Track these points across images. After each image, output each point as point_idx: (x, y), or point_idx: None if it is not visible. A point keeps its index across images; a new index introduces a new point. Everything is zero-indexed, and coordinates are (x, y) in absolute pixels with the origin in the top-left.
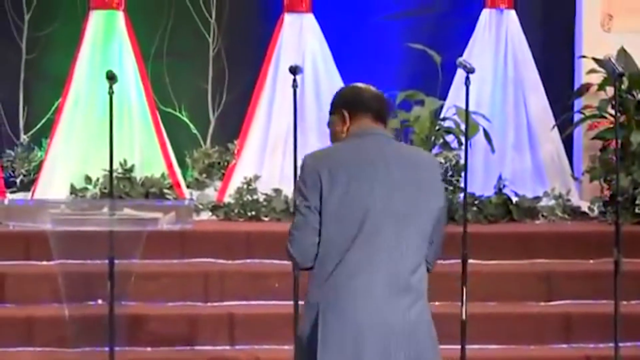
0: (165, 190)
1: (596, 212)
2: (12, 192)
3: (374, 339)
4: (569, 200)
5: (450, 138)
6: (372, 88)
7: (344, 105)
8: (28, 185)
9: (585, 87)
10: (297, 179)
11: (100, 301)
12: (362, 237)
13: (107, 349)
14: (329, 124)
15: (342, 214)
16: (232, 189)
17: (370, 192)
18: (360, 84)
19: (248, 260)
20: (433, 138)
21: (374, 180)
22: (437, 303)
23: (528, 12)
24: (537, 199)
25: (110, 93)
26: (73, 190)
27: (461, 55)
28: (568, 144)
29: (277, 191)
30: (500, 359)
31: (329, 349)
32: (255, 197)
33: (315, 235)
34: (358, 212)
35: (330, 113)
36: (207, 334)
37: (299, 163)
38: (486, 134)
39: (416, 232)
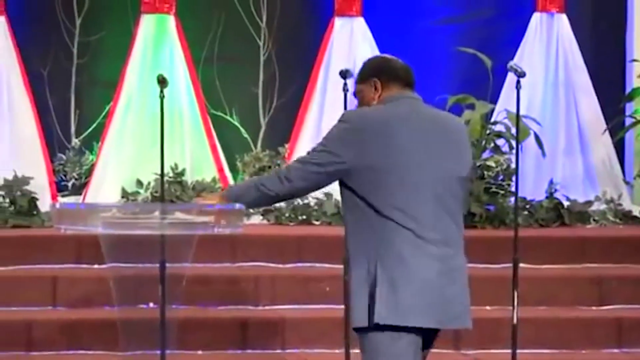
0: None
1: None
2: (63, 196)
3: None
4: (620, 204)
5: (501, 142)
6: (399, 59)
7: (376, 74)
8: (79, 188)
9: (637, 91)
10: (335, 128)
11: (151, 305)
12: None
13: (158, 352)
14: (357, 93)
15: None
16: None
17: (418, 148)
18: (387, 55)
19: (299, 264)
20: (484, 142)
21: (421, 138)
22: (488, 307)
23: (579, 15)
24: (589, 203)
25: (161, 97)
26: (124, 194)
27: (512, 59)
28: (619, 148)
29: (328, 195)
30: None
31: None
32: (306, 201)
33: (310, 182)
34: (412, 167)
35: (359, 82)
36: (258, 337)
37: None
38: (537, 138)
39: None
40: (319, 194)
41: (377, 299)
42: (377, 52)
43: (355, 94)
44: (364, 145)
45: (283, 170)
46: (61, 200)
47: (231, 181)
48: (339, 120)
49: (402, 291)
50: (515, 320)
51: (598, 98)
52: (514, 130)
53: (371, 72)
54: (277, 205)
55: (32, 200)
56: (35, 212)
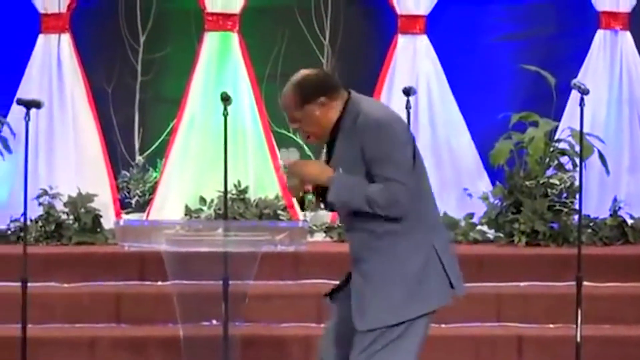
0: (279, 212)
1: None
2: (127, 213)
3: None
4: None
5: (564, 160)
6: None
7: (320, 93)
8: (143, 206)
9: None
10: (387, 132)
11: (214, 322)
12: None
13: None
14: (302, 119)
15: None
16: None
17: None
18: (305, 71)
19: None
20: (547, 160)
21: None
22: (551, 325)
23: None
24: None
25: (225, 114)
26: (187, 211)
27: (575, 76)
28: None
29: None
30: None
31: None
32: None
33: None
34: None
35: (301, 107)
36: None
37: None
38: (601, 156)
39: None
40: None
41: (451, 278)
42: (440, 69)
43: (293, 121)
44: (413, 143)
45: (389, 193)
46: (125, 217)
47: (294, 200)
48: (381, 126)
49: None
50: (579, 339)
51: None
52: (577, 148)
53: (314, 93)
54: (340, 222)
55: (96, 218)
56: (99, 229)
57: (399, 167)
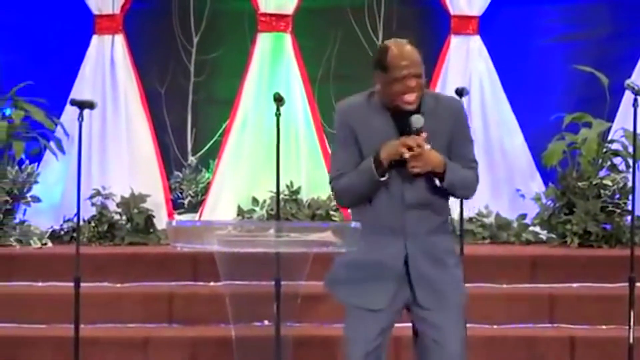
0: (332, 212)
1: None
2: (180, 214)
3: None
4: None
5: (617, 160)
6: None
7: None
8: (196, 206)
9: None
10: (467, 117)
11: (266, 322)
12: None
13: None
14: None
15: None
16: None
17: None
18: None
19: None
20: (600, 160)
21: None
22: (604, 327)
23: None
24: None
25: (278, 115)
26: (240, 212)
27: (629, 77)
28: None
29: None
30: None
31: None
32: None
33: None
34: None
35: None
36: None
37: None
38: None
39: None
40: None
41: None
42: (492, 70)
43: (419, 78)
44: None
45: (477, 176)
46: (177, 217)
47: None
48: (464, 110)
49: None
50: (631, 340)
51: None
52: (630, 149)
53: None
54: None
55: (149, 218)
56: (151, 230)
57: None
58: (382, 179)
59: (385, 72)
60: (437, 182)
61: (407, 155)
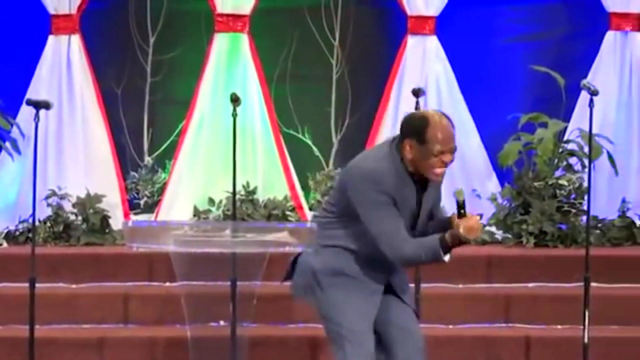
0: (288, 213)
1: None
2: (135, 214)
3: None
4: None
5: (573, 160)
6: None
7: None
8: (152, 206)
9: None
10: None
11: (222, 322)
12: None
13: None
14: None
15: None
16: None
17: None
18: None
19: None
20: (556, 160)
21: None
22: (559, 326)
23: None
24: None
25: (234, 115)
26: (196, 212)
27: (585, 77)
28: None
29: None
30: None
31: None
32: None
33: None
34: None
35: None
36: (328, 356)
37: None
38: (610, 157)
39: None
40: None
41: None
42: (449, 70)
43: (453, 153)
44: None
45: None
46: (133, 218)
47: (302, 200)
48: None
49: None
50: (586, 340)
51: None
52: (586, 149)
53: None
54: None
55: (105, 218)
56: (107, 230)
57: None
58: (447, 259)
59: (422, 144)
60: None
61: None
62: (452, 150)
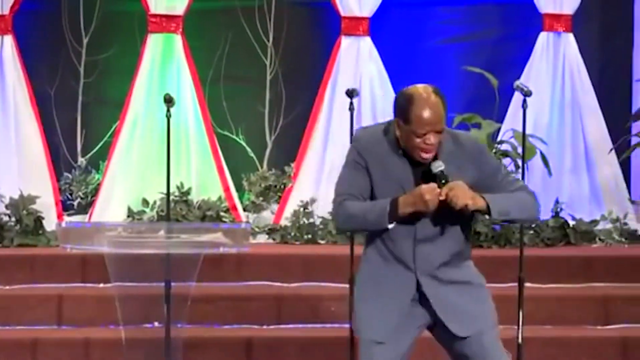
0: (222, 214)
1: None
2: (69, 215)
3: None
4: (626, 223)
5: (507, 161)
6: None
7: None
8: (85, 207)
9: None
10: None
11: (156, 324)
12: None
13: None
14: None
15: None
16: (288, 212)
17: None
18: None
19: (304, 284)
20: None
21: None
22: None
23: (586, 35)
24: (594, 222)
25: (168, 116)
26: (130, 213)
27: (518, 78)
28: (625, 167)
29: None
30: None
31: None
32: (311, 220)
33: None
34: None
35: (444, 119)
36: (263, 357)
37: None
38: (543, 157)
39: None
40: (324, 213)
41: None
42: (383, 72)
43: (439, 134)
44: None
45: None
46: (67, 219)
47: (237, 200)
48: (484, 145)
49: None
50: (520, 340)
51: (604, 117)
52: (520, 150)
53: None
54: (283, 224)
55: (38, 220)
56: (41, 231)
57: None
58: (390, 226)
59: (406, 124)
60: (486, 217)
61: (432, 207)
62: (437, 131)
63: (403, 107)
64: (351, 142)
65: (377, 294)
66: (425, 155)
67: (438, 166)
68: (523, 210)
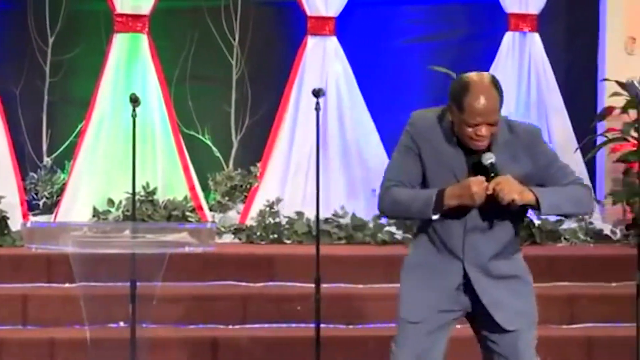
0: (188, 213)
1: (618, 235)
2: (34, 215)
3: None
4: (591, 223)
5: None
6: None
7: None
8: (51, 207)
9: (608, 110)
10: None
11: (121, 324)
12: None
13: None
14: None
15: None
16: (254, 211)
17: None
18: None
19: (270, 283)
20: None
21: None
22: (458, 326)
23: (551, 35)
24: (560, 222)
25: (134, 116)
26: (95, 213)
27: None
28: (591, 166)
29: (300, 214)
30: None
31: None
32: (277, 219)
33: None
34: None
35: (499, 110)
36: (228, 357)
37: (321, 186)
38: None
39: None
40: (290, 212)
41: None
42: (349, 71)
43: (492, 126)
44: None
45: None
46: (32, 219)
47: (202, 200)
48: (540, 133)
49: None
50: None
51: (570, 117)
52: None
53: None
54: (248, 223)
55: (3, 219)
56: (5, 231)
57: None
58: (434, 217)
59: (460, 112)
60: (534, 212)
61: (479, 201)
62: (491, 124)
63: (457, 94)
64: (405, 126)
65: (423, 279)
66: (477, 144)
67: (488, 158)
68: (575, 205)
